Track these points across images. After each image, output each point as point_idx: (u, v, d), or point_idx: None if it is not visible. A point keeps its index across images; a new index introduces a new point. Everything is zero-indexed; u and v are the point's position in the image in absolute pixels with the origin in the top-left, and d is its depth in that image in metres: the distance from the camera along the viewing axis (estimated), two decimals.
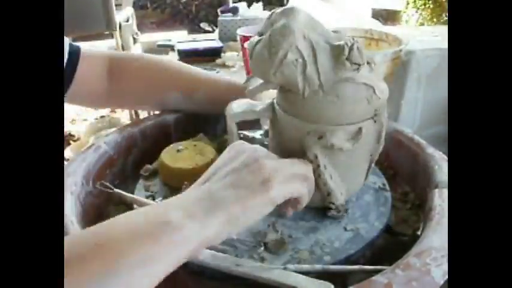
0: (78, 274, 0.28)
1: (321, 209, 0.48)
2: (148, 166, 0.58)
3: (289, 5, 0.44)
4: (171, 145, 0.58)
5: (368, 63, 0.42)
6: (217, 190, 0.37)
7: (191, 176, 0.52)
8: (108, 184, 0.51)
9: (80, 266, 0.28)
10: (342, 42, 0.41)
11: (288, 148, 0.46)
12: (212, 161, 0.54)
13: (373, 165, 0.48)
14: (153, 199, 0.52)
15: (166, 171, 0.54)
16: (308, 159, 0.43)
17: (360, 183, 0.49)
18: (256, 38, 0.43)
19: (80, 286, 0.27)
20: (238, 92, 0.58)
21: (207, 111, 0.65)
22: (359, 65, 0.41)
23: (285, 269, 0.40)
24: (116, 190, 0.51)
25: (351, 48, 0.40)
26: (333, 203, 0.46)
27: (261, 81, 0.46)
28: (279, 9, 0.43)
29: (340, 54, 0.40)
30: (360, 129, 0.42)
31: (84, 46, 0.65)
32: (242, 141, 0.43)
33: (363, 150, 0.45)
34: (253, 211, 0.36)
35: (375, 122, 0.44)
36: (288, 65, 0.40)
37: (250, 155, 0.39)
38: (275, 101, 0.47)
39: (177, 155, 0.55)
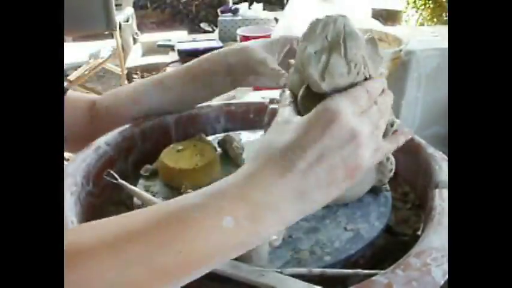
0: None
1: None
2: (148, 166, 0.58)
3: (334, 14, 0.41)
4: (171, 145, 0.58)
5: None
6: (310, 192, 0.32)
7: (191, 176, 0.52)
8: (114, 174, 0.51)
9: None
10: (370, 36, 0.41)
11: None
12: (212, 161, 0.54)
13: None
14: None
15: (167, 172, 0.54)
16: None
17: None
18: (313, 55, 0.40)
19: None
20: (209, 58, 0.62)
21: (184, 95, 0.64)
22: (382, 58, 0.41)
23: (281, 272, 0.39)
24: (120, 181, 0.51)
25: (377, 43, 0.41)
26: (385, 183, 0.50)
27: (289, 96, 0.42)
28: (328, 20, 0.41)
29: (375, 49, 0.40)
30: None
31: (70, 91, 0.66)
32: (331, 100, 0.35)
33: None
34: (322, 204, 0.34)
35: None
36: (360, 75, 0.39)
37: (352, 150, 0.33)
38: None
39: (177, 155, 0.55)
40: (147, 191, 0.54)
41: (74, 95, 0.66)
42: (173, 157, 0.54)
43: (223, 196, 0.31)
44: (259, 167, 0.32)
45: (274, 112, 0.47)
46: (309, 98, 0.41)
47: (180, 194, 0.49)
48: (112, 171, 0.51)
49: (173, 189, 0.53)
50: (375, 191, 0.51)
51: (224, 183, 0.32)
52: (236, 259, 0.37)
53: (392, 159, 0.48)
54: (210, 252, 0.29)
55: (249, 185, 0.31)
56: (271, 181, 0.31)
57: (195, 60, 0.63)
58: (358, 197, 0.50)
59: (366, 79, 0.39)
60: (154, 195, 0.53)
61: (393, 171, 0.49)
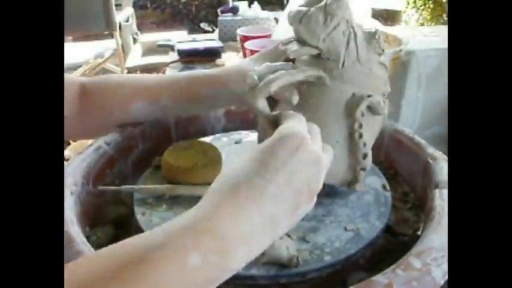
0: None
1: (323, 205, 0.49)
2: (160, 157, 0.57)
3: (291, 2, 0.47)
4: (179, 142, 0.58)
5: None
6: (279, 220, 0.31)
7: (190, 174, 0.52)
8: (108, 187, 0.52)
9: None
10: (373, 29, 0.46)
11: (324, 114, 0.46)
12: (214, 161, 0.54)
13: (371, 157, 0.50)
14: None
15: (167, 168, 0.54)
16: (353, 118, 0.45)
17: None
18: (301, 8, 0.46)
19: None
20: (209, 82, 0.56)
21: (179, 112, 0.62)
22: (383, 50, 0.46)
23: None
24: (124, 186, 0.52)
25: (379, 36, 0.46)
26: (364, 168, 0.47)
27: (297, 46, 0.46)
28: None
29: (373, 38, 0.46)
30: (383, 101, 0.47)
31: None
32: (292, 128, 0.34)
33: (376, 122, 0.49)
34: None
35: (384, 102, 0.48)
36: (338, 32, 0.44)
37: (315, 171, 0.33)
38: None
39: (181, 153, 0.55)
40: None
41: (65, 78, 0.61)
42: (176, 154, 0.55)
43: (188, 231, 0.28)
44: (225, 196, 0.30)
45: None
46: (266, 124, 0.44)
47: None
48: (101, 186, 0.52)
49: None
50: (351, 182, 0.48)
51: (188, 216, 0.29)
52: None
53: (367, 143, 0.47)
54: None
55: (215, 217, 0.29)
56: (239, 210, 0.29)
57: (193, 79, 0.58)
58: (332, 183, 0.48)
59: (348, 44, 0.44)
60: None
61: (367, 158, 0.47)
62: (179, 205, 0.50)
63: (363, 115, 0.45)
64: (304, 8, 0.46)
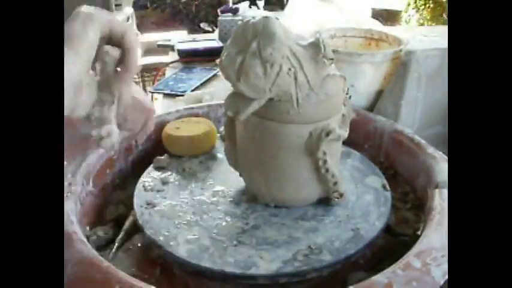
0: None
1: (323, 205, 0.49)
2: (160, 157, 0.59)
3: (260, 15, 0.43)
4: (174, 121, 0.63)
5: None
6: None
7: (191, 143, 0.59)
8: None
9: None
10: (315, 40, 0.41)
11: (286, 156, 0.46)
12: (209, 131, 0.60)
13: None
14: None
15: (171, 141, 0.60)
16: (315, 158, 0.45)
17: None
18: (234, 57, 0.41)
19: None
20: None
21: None
22: (332, 59, 0.42)
23: None
24: None
25: (324, 46, 0.41)
26: (338, 191, 0.48)
27: (241, 98, 0.43)
28: (249, 21, 0.41)
29: (318, 53, 0.41)
30: (343, 115, 0.46)
31: None
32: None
33: None
34: None
35: (344, 105, 0.47)
36: (283, 76, 0.40)
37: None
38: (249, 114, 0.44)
39: (179, 128, 0.61)
40: (163, 183, 0.55)
41: None
42: (175, 128, 0.61)
43: None
44: None
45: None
46: (228, 124, 0.47)
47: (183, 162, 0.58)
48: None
49: (178, 159, 0.59)
50: (326, 201, 0.49)
51: None
52: None
53: (335, 173, 0.46)
54: None
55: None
56: None
57: None
58: (304, 203, 0.49)
59: (296, 79, 0.41)
60: (166, 183, 0.55)
61: (338, 184, 0.47)
62: (179, 203, 0.50)
63: (325, 154, 0.44)
64: (236, 58, 0.41)
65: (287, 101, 0.42)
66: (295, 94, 0.42)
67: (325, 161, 0.45)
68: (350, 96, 0.51)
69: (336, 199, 0.49)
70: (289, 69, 0.40)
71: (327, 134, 0.44)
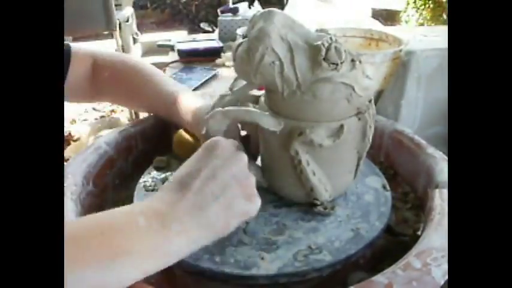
0: (82, 259, 0.30)
1: (310, 206, 0.48)
2: (160, 158, 0.58)
3: (268, 9, 0.45)
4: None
5: (353, 60, 0.42)
6: (207, 206, 0.37)
7: None
8: None
9: (85, 252, 0.31)
10: (319, 43, 0.41)
11: (271, 145, 0.47)
12: None
13: (362, 162, 0.49)
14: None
15: (183, 145, 0.58)
16: (289, 155, 0.45)
17: (348, 181, 0.50)
18: (240, 40, 0.45)
19: (82, 270, 0.29)
20: (175, 115, 0.60)
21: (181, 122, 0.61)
22: (337, 64, 0.41)
23: None
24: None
25: (328, 48, 0.41)
26: (317, 199, 0.47)
27: (244, 82, 0.49)
28: (259, 12, 0.44)
29: (317, 54, 0.41)
30: (342, 126, 0.43)
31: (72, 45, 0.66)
32: (218, 139, 0.42)
33: (348, 147, 0.46)
34: (232, 227, 0.39)
35: (359, 119, 0.45)
36: (265, 67, 0.42)
37: (239, 166, 0.40)
38: (262, 99, 0.49)
39: (192, 134, 0.59)
40: (163, 183, 0.54)
41: (78, 53, 0.66)
42: (189, 134, 0.59)
43: (139, 211, 0.36)
44: (165, 192, 0.39)
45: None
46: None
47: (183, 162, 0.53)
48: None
49: (178, 159, 0.57)
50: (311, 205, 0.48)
51: (137, 204, 0.39)
52: None
53: (309, 177, 0.45)
54: (127, 244, 0.33)
55: (157, 202, 0.37)
56: (174, 200, 0.37)
57: (175, 107, 0.61)
58: (295, 199, 0.49)
59: (282, 73, 0.42)
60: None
61: (314, 190, 0.46)
62: None
63: (297, 153, 0.44)
64: (239, 41, 0.45)
65: (276, 92, 0.44)
66: (280, 86, 0.43)
67: (299, 161, 0.44)
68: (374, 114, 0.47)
69: (322, 209, 0.47)
70: (273, 62, 0.42)
71: (299, 134, 0.43)
